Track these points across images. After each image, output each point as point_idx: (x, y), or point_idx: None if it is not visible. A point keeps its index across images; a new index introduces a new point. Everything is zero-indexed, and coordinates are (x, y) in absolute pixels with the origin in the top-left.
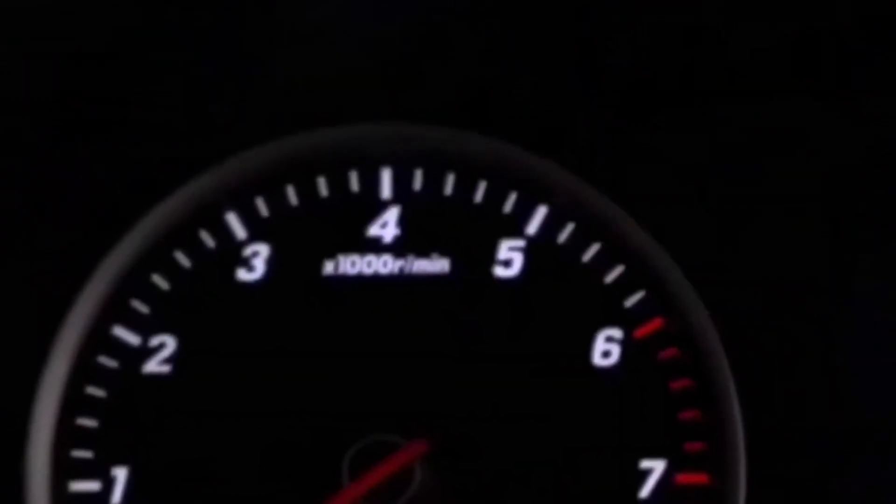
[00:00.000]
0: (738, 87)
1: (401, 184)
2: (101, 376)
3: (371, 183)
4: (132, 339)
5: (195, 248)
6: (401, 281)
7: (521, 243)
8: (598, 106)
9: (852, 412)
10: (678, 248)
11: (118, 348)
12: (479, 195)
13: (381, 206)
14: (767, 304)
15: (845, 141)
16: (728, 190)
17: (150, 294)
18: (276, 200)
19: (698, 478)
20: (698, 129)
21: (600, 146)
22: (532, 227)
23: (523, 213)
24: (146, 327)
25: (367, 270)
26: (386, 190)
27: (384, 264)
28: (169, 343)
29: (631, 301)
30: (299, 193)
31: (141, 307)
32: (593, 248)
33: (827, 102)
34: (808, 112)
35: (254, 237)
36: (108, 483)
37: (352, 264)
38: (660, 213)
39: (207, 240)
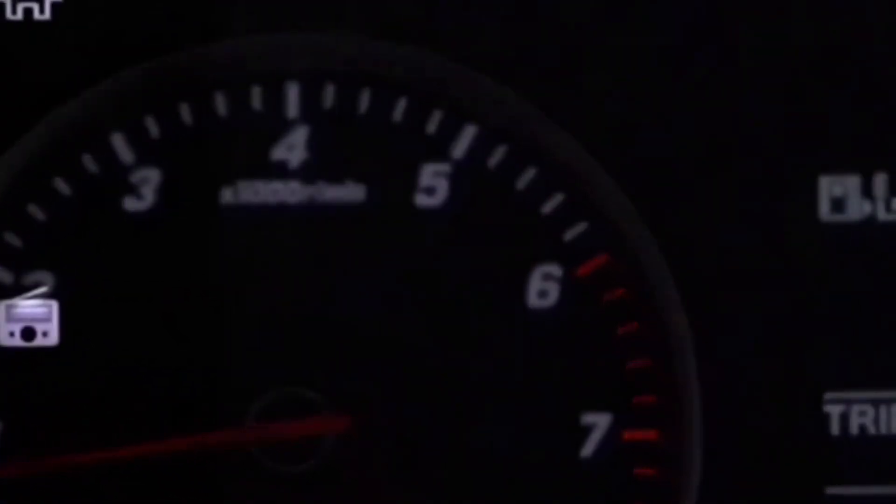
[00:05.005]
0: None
1: (309, 101)
2: None
3: (275, 100)
4: (4, 276)
5: (76, 174)
6: (310, 211)
7: (446, 168)
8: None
9: (813, 366)
10: (625, 176)
11: None
12: (398, 114)
13: (287, 126)
14: (727, 241)
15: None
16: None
17: (24, 226)
18: (169, 120)
19: (647, 434)
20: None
21: (538, 57)
22: (459, 150)
23: (449, 133)
24: (20, 263)
25: (272, 199)
26: (292, 108)
27: (291, 192)
28: (45, 281)
29: (572, 234)
30: (194, 112)
31: (14, 240)
32: (529, 174)
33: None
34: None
35: (143, 161)
36: None
37: (254, 192)
38: (604, 134)
39: (90, 164)
